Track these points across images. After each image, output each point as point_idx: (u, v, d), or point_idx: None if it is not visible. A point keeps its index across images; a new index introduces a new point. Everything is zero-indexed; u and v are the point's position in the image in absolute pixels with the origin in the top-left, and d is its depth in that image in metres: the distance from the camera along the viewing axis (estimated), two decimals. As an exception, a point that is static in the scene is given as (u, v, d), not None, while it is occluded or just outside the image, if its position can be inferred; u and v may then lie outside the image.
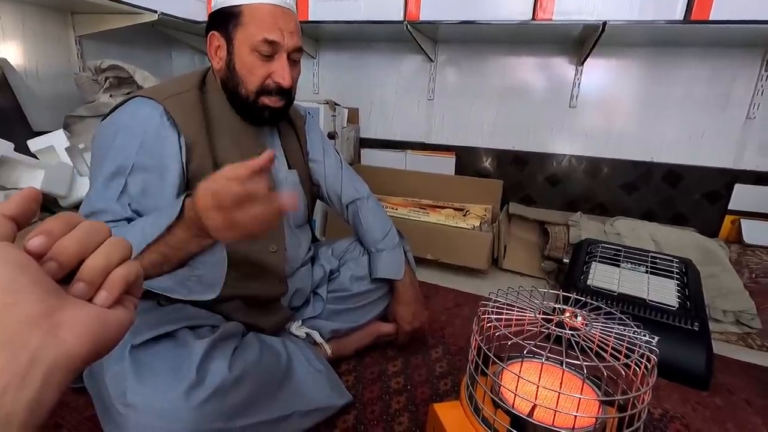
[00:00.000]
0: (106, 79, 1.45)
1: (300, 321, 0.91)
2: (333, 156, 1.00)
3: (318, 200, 1.04)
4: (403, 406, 0.85)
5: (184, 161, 0.70)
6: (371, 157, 2.00)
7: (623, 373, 0.51)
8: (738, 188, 1.55)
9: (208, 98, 0.77)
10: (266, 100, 0.76)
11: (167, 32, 1.88)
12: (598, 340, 0.56)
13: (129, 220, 0.64)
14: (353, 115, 1.94)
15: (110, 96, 1.45)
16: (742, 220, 1.53)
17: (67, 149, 1.22)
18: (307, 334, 0.90)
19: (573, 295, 0.65)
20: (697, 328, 1.01)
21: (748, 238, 1.49)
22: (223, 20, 0.74)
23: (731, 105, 1.52)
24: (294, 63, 0.77)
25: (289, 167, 0.90)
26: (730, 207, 1.57)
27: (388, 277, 0.96)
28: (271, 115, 0.78)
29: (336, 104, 1.75)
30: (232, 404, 0.61)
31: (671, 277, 1.19)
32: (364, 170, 1.91)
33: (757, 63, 1.46)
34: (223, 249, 0.57)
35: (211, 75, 0.79)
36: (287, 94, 0.77)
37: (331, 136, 1.71)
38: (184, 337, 0.63)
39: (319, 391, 0.77)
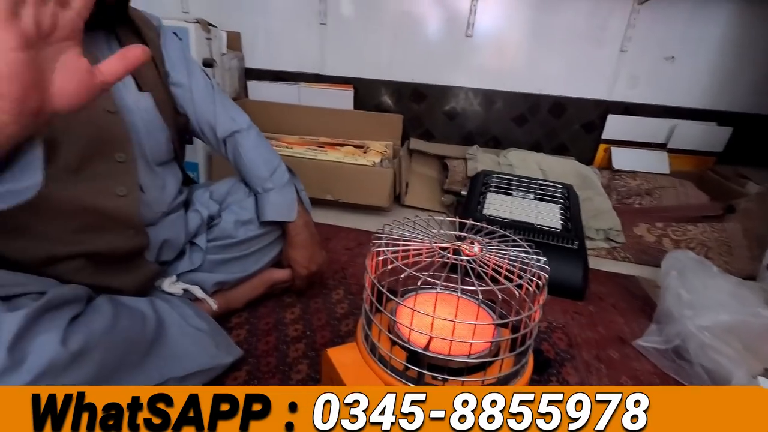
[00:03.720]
0: None
1: (174, 276, 0.78)
2: (201, 79, 0.82)
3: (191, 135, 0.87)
4: (302, 353, 0.80)
5: None
6: (260, 91, 1.78)
7: (516, 294, 0.50)
8: (610, 119, 1.69)
9: None
10: None
11: None
12: (494, 264, 0.54)
13: None
14: (234, 41, 1.69)
15: None
16: (612, 148, 1.69)
17: None
18: (185, 290, 0.78)
19: (469, 221, 0.62)
20: (576, 247, 1.10)
21: (616, 164, 1.66)
22: None
23: (607, 38, 1.60)
24: None
25: (140, 89, 0.71)
26: (603, 136, 1.72)
27: (279, 220, 0.86)
28: (98, 9, 0.58)
29: (211, 25, 1.49)
30: (74, 384, 0.49)
31: (556, 202, 1.27)
32: (252, 105, 1.70)
33: (630, -4, 1.54)
34: (38, 171, 0.40)
35: None
36: None
37: (208, 63, 1.47)
38: (-10, 311, 0.48)
39: (200, 352, 0.68)
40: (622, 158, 1.66)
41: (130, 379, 0.57)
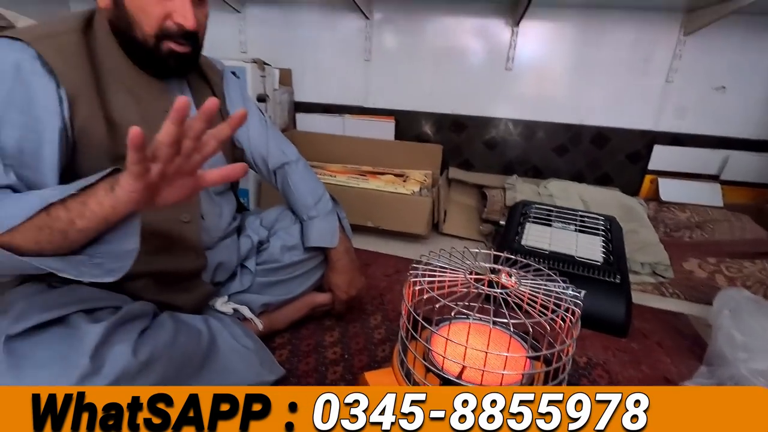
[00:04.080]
0: (-19, 27, 1.22)
1: (226, 296, 0.84)
2: (256, 116, 0.91)
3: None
4: (340, 375, 0.83)
5: (66, 117, 0.59)
6: (307, 122, 1.90)
7: (548, 327, 0.51)
8: (657, 149, 1.65)
9: (96, 44, 0.65)
10: (170, 44, 0.65)
11: (60, -24, 1.62)
12: (528, 297, 0.55)
13: (12, 189, 0.53)
14: (286, 77, 1.82)
15: (-12, 49, 1.23)
16: (659, 179, 1.64)
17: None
18: (234, 309, 0.84)
19: (503, 254, 0.64)
20: (618, 281, 1.07)
21: (664, 195, 1.60)
22: None
23: (652, 69, 1.59)
24: (198, 2, 0.67)
25: (204, 128, 0.80)
26: (649, 167, 1.68)
27: (322, 245, 0.91)
28: (178, 62, 0.67)
29: (266, 64, 1.62)
30: (140, 392, 0.55)
31: (597, 234, 1.25)
32: (299, 136, 1.82)
33: (675, 28, 1.52)
34: (135, 238, 0.51)
35: (98, 17, 0.67)
36: (193, 38, 0.67)
37: (262, 98, 1.59)
38: (76, 322, 0.55)
39: (247, 369, 0.73)
40: (670, 189, 1.61)
41: (185, 391, 0.62)
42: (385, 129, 1.84)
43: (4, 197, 0.50)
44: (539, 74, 1.69)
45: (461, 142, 1.82)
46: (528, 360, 0.55)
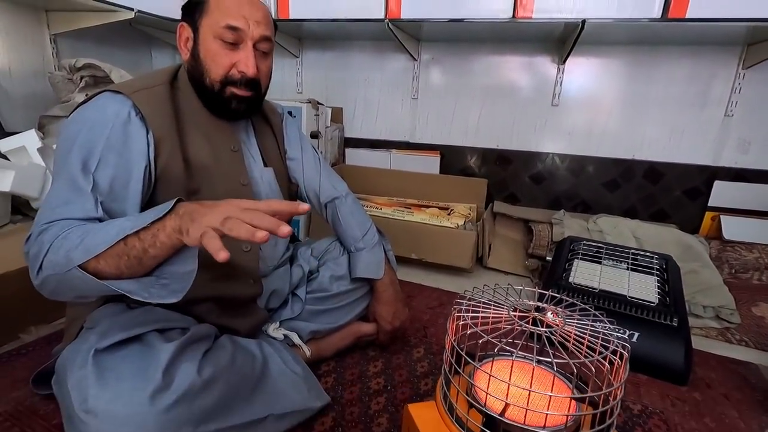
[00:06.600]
0: (82, 78, 1.42)
1: (278, 322, 0.89)
2: (311, 154, 0.99)
3: (298, 200, 1.03)
4: (383, 407, 0.84)
5: (151, 158, 0.68)
6: (356, 157, 1.99)
7: (594, 369, 0.50)
8: (717, 185, 1.57)
9: (180, 93, 0.76)
10: (233, 89, 0.74)
11: (146, 30, 1.85)
12: (574, 337, 0.55)
13: (100, 220, 0.61)
14: (337, 115, 1.93)
15: (86, 95, 1.42)
16: (721, 216, 1.55)
17: (39, 149, 1.19)
18: (285, 335, 0.89)
19: (549, 292, 0.65)
20: (676, 324, 1.01)
21: (728, 234, 1.51)
22: (191, 10, 0.73)
23: (710, 103, 1.54)
24: (263, 55, 0.76)
25: (265, 165, 0.88)
26: (710, 204, 1.59)
27: (368, 277, 0.95)
28: (240, 104, 0.76)
29: (319, 103, 1.74)
30: (201, 408, 0.60)
31: (651, 274, 1.20)
32: (348, 170, 1.90)
33: (734, 61, 1.48)
34: (194, 260, 0.56)
35: (182, 70, 0.78)
36: (255, 85, 0.76)
37: (315, 135, 1.70)
38: (151, 340, 0.61)
39: (295, 394, 0.76)
40: (734, 228, 1.51)
41: (239, 411, 0.66)
42: (431, 163, 1.88)
43: (92, 228, 0.58)
44: (587, 109, 1.68)
45: (507, 176, 1.83)
46: (574, 402, 0.55)
